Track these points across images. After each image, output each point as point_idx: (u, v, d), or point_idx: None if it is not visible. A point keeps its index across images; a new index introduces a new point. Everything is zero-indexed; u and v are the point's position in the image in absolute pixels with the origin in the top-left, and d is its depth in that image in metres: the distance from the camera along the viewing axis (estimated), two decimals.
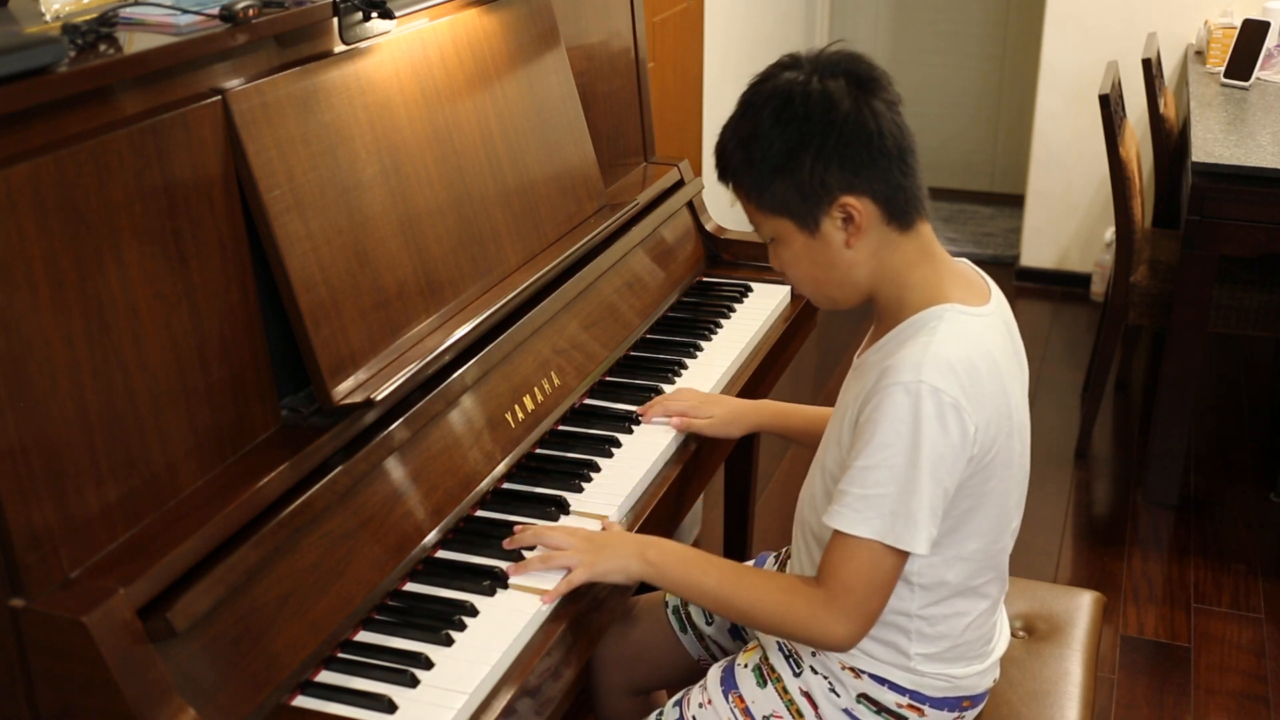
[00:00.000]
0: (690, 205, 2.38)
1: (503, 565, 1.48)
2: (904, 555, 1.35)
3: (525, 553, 1.49)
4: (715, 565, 1.46)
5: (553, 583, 1.44)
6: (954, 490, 1.35)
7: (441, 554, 1.52)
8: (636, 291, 2.10)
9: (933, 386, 1.30)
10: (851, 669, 1.47)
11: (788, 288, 2.30)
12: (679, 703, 1.59)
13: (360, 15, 1.57)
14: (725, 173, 1.41)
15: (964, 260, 1.47)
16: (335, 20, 1.54)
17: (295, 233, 1.42)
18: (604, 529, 1.55)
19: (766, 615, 1.40)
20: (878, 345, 1.41)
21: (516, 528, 1.53)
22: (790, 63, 1.38)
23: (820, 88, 1.33)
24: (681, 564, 1.46)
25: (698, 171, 3.43)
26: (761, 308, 2.23)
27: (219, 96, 1.34)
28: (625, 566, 1.46)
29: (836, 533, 1.35)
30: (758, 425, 1.82)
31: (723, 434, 1.82)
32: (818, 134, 1.32)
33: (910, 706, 1.47)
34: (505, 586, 1.45)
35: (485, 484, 1.61)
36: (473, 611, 1.40)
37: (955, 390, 1.31)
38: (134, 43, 1.29)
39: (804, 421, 1.78)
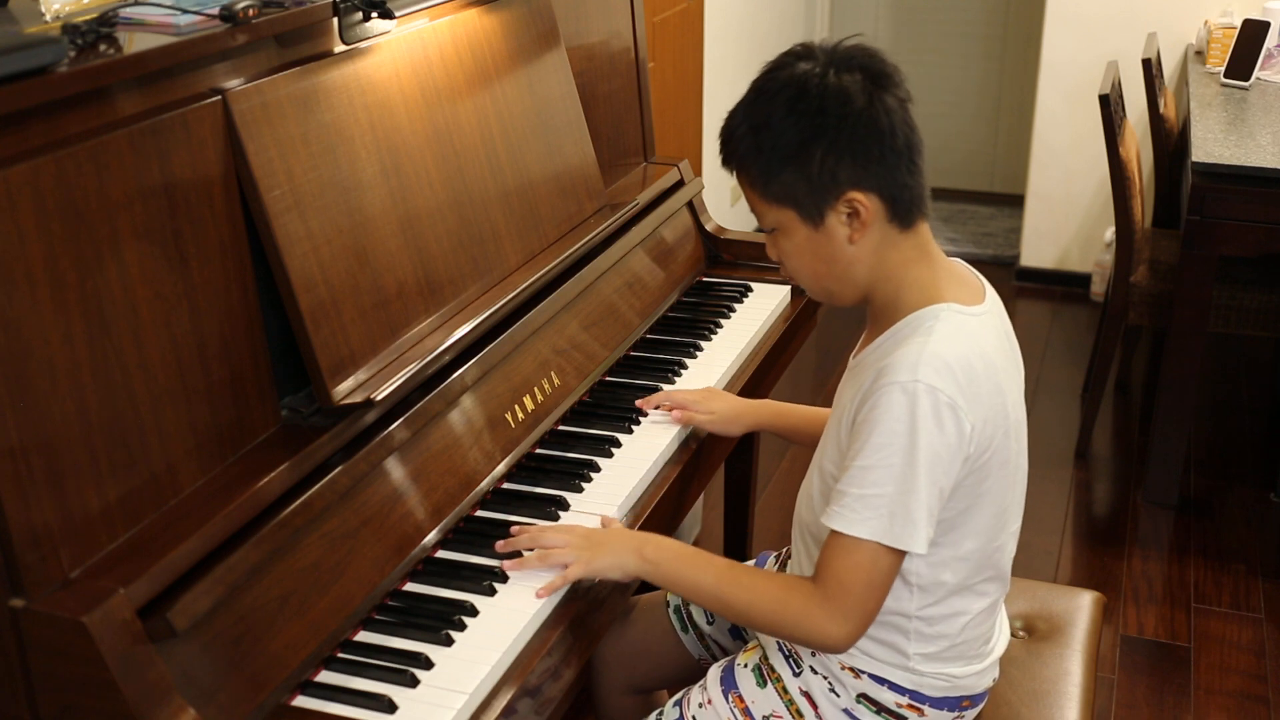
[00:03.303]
0: (690, 205, 2.38)
1: (502, 565, 1.48)
2: (901, 555, 1.35)
3: (526, 552, 1.49)
4: (712, 564, 1.45)
5: (550, 579, 1.44)
6: (950, 490, 1.35)
7: (441, 554, 1.52)
8: (636, 291, 2.10)
9: (929, 385, 1.30)
10: (851, 669, 1.47)
11: (788, 288, 2.30)
12: (679, 702, 1.59)
13: (360, 15, 1.58)
14: (731, 158, 1.40)
15: (958, 260, 1.47)
16: (335, 20, 1.54)
17: (295, 233, 1.42)
18: (603, 525, 1.55)
19: (763, 615, 1.40)
20: (874, 345, 1.41)
21: (513, 529, 1.53)
22: (804, 53, 1.37)
23: (836, 82, 1.33)
24: (678, 562, 1.45)
25: (698, 171, 3.43)
26: (761, 308, 2.23)
27: (219, 96, 1.34)
28: (622, 563, 1.45)
29: (834, 532, 1.35)
30: (758, 424, 1.83)
31: (723, 431, 1.83)
32: (831, 128, 1.32)
33: (910, 706, 1.47)
34: (505, 581, 1.45)
35: (485, 484, 1.61)
36: (473, 611, 1.40)
37: (952, 389, 1.31)
38: (134, 43, 1.29)
39: (804, 421, 1.78)
